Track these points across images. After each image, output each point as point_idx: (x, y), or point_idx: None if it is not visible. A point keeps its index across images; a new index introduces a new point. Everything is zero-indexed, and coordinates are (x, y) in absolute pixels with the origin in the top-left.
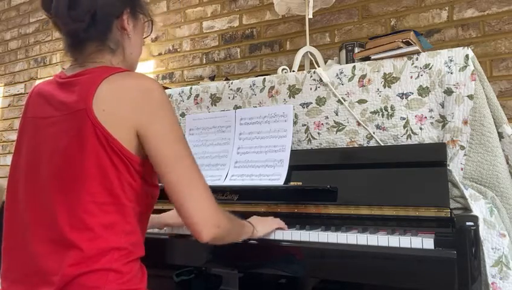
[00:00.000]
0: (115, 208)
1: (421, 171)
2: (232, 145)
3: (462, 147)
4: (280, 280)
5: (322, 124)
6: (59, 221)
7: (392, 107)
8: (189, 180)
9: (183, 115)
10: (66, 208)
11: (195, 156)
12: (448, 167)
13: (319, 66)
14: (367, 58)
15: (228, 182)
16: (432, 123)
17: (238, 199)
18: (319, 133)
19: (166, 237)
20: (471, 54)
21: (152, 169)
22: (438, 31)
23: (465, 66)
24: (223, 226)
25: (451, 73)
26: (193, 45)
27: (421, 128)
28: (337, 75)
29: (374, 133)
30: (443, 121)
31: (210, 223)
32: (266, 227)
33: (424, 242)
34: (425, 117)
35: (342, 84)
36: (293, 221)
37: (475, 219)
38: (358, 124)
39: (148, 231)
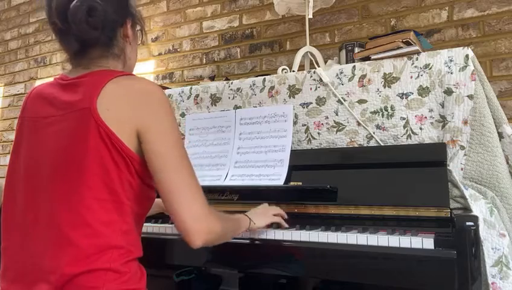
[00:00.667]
0: (113, 205)
1: (421, 171)
2: (232, 145)
3: (462, 147)
4: (280, 280)
5: (322, 124)
6: (58, 219)
7: (392, 107)
8: (181, 182)
9: (183, 115)
10: (66, 204)
11: (195, 156)
12: (448, 167)
13: (319, 66)
14: (367, 58)
15: (228, 182)
16: (432, 123)
17: (238, 199)
18: (319, 133)
19: (166, 237)
20: (471, 54)
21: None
22: (438, 31)
23: (465, 66)
24: (215, 231)
25: (451, 73)
26: (193, 45)
27: (421, 129)
28: (337, 75)
29: (374, 133)
30: (443, 121)
31: (201, 231)
32: (263, 218)
33: (424, 242)
34: (425, 117)
35: (342, 84)
36: (293, 221)
37: (475, 219)
38: (358, 124)
39: (148, 231)
